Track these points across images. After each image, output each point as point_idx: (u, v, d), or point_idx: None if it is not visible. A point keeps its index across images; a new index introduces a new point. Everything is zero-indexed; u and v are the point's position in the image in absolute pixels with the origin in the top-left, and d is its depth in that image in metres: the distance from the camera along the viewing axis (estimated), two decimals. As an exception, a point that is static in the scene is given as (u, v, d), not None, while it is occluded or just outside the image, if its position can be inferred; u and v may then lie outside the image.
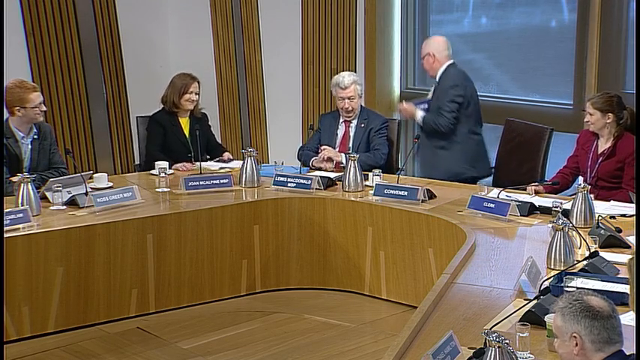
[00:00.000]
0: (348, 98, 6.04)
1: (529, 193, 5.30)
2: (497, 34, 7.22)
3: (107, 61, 7.69)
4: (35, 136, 5.59)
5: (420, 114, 6.03)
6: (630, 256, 3.05)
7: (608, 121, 5.26)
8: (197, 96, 6.24)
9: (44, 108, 5.60)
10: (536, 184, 5.41)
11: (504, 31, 7.24)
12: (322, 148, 6.06)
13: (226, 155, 6.35)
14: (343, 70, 7.31)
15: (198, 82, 6.27)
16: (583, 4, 6.38)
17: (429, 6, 7.36)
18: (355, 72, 7.30)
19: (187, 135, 6.27)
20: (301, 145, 6.45)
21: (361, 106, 6.19)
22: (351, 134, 6.11)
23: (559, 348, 2.70)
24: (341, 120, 6.15)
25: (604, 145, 5.33)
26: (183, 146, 6.24)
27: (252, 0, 7.76)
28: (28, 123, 5.53)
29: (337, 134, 6.14)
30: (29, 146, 5.57)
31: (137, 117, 6.80)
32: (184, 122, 6.29)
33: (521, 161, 6.03)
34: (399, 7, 7.37)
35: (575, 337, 2.62)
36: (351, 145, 6.08)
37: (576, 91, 6.48)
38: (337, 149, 6.10)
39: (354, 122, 6.12)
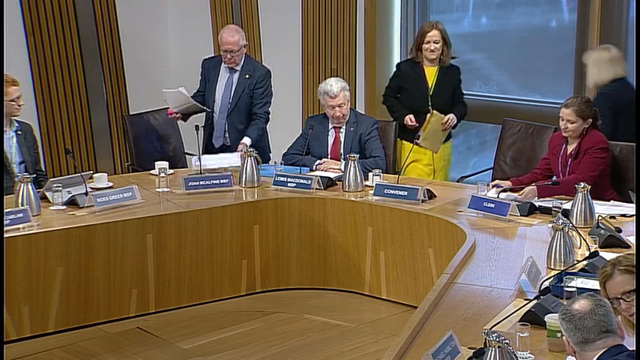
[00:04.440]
0: (338, 106, 5.90)
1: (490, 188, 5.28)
2: (497, 34, 7.22)
3: (107, 61, 7.70)
4: (19, 132, 5.58)
5: None
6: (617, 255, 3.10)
7: (586, 125, 5.24)
8: (436, 45, 6.11)
9: (22, 102, 5.55)
10: (499, 181, 5.40)
11: (504, 31, 7.25)
12: (322, 161, 5.98)
13: None
14: (343, 70, 7.33)
15: (440, 30, 6.12)
16: (583, 4, 6.38)
17: (429, 6, 7.36)
18: (355, 72, 7.33)
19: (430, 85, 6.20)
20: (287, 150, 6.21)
21: (349, 109, 6.08)
22: (342, 139, 6.03)
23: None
24: (330, 126, 6.04)
25: (571, 146, 5.32)
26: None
27: (252, 0, 7.76)
28: (5, 116, 5.47)
29: (328, 140, 6.07)
30: (14, 139, 5.56)
31: (124, 116, 6.83)
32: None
33: (522, 160, 6.03)
34: (399, 7, 7.37)
35: (565, 339, 2.74)
36: (342, 150, 5.98)
37: (576, 91, 6.47)
38: (329, 155, 6.04)
39: (344, 127, 6.02)
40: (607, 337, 2.65)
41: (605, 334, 2.65)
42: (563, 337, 2.73)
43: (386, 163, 6.01)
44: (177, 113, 6.33)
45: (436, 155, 6.18)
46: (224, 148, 6.31)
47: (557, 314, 3.15)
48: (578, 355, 2.69)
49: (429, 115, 6.02)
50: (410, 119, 6.13)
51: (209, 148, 6.39)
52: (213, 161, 6.01)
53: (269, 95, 6.35)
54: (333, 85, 5.92)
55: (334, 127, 6.03)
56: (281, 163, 5.96)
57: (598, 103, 5.45)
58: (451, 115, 6.10)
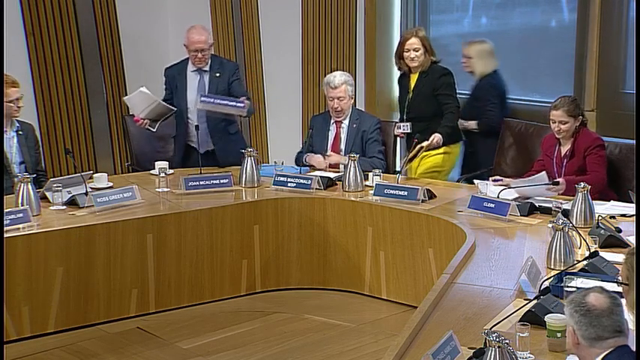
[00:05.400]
0: (338, 98, 5.94)
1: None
2: (497, 34, 7.21)
3: (107, 61, 7.69)
4: (20, 132, 5.58)
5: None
6: (626, 255, 3.07)
7: (577, 124, 5.28)
8: (417, 52, 5.96)
9: (21, 104, 5.56)
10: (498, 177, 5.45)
11: (504, 31, 7.24)
12: (328, 154, 5.99)
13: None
14: (343, 70, 7.32)
15: (420, 38, 5.98)
16: (583, 4, 6.37)
17: (429, 6, 7.36)
18: (355, 72, 7.32)
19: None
20: (300, 149, 6.25)
21: (352, 106, 6.11)
22: (343, 135, 6.04)
23: (567, 337, 2.79)
24: (332, 121, 6.06)
25: (565, 147, 5.33)
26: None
27: (252, 0, 7.76)
28: (5, 117, 5.47)
29: (328, 136, 6.07)
30: (14, 139, 5.57)
31: (124, 116, 6.82)
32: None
33: (521, 160, 6.03)
34: (399, 7, 7.36)
35: (571, 330, 2.70)
36: (343, 147, 6.00)
37: (576, 91, 6.47)
38: (329, 150, 6.05)
39: (346, 123, 6.03)
40: (619, 336, 2.65)
41: (618, 333, 2.65)
42: (569, 327, 2.70)
43: (386, 163, 6.02)
44: (144, 119, 6.04)
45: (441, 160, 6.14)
46: (209, 153, 6.16)
47: (557, 314, 3.17)
48: (582, 348, 2.67)
49: (416, 148, 5.77)
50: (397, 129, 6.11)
51: (188, 157, 6.18)
52: (223, 101, 5.95)
53: (244, 83, 6.30)
54: (337, 76, 6.00)
55: (336, 122, 6.05)
56: (282, 163, 5.97)
57: (485, 93, 6.35)
58: (436, 136, 5.84)
